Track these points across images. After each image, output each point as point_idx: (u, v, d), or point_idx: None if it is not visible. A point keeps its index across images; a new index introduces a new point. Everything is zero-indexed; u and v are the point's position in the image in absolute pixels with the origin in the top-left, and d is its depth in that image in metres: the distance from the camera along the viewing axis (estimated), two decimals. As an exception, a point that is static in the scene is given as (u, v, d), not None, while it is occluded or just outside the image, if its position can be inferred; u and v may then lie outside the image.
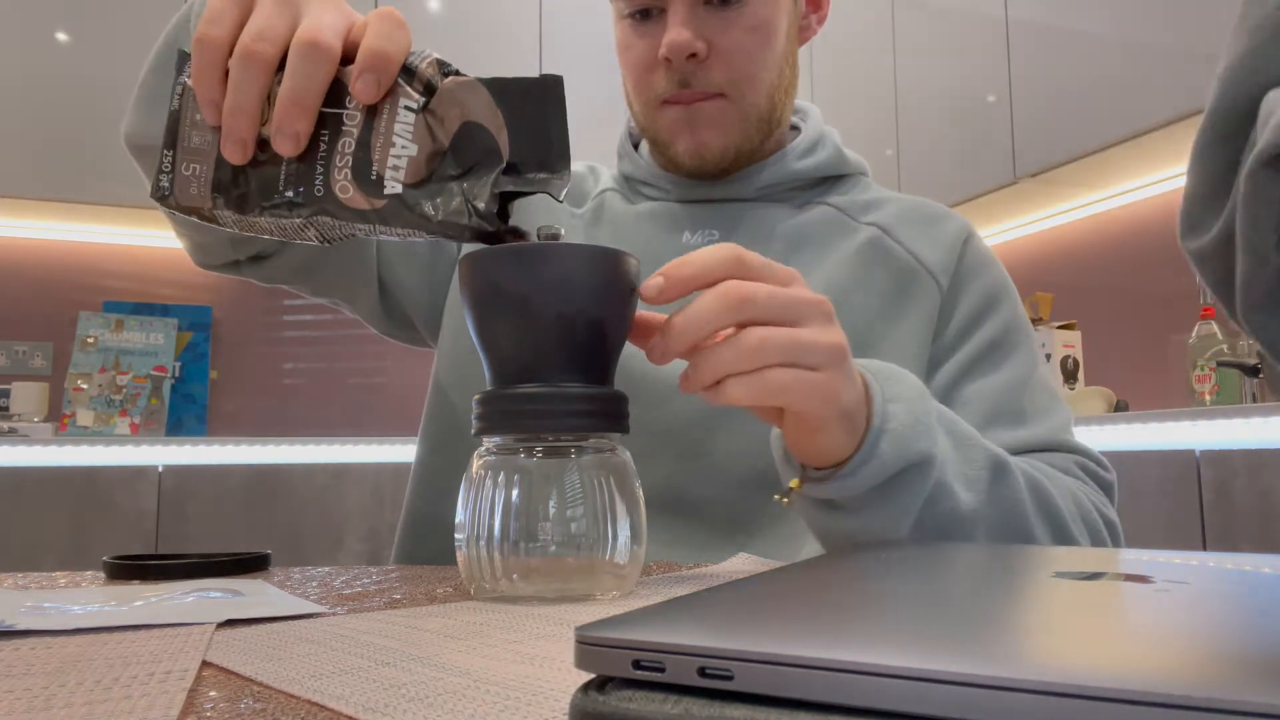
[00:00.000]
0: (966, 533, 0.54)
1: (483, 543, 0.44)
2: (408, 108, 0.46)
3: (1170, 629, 0.22)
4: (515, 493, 0.44)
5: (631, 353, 0.49)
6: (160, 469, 2.40)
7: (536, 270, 0.44)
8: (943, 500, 0.53)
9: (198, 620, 0.39)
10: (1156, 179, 2.54)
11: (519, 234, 0.48)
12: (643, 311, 0.48)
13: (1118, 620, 0.25)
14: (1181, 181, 2.56)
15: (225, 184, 0.47)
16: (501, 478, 0.45)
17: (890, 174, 3.03)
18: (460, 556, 0.46)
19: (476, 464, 0.46)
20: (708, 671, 0.20)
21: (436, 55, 0.47)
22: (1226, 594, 0.27)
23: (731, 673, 0.20)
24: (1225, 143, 0.56)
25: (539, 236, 0.46)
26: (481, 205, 0.46)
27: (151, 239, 3.04)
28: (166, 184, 0.48)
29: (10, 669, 0.31)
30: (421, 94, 0.46)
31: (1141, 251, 2.62)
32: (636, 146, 0.85)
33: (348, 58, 0.46)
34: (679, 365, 0.47)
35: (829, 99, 3.18)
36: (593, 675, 0.22)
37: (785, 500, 0.54)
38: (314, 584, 0.53)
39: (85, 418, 2.63)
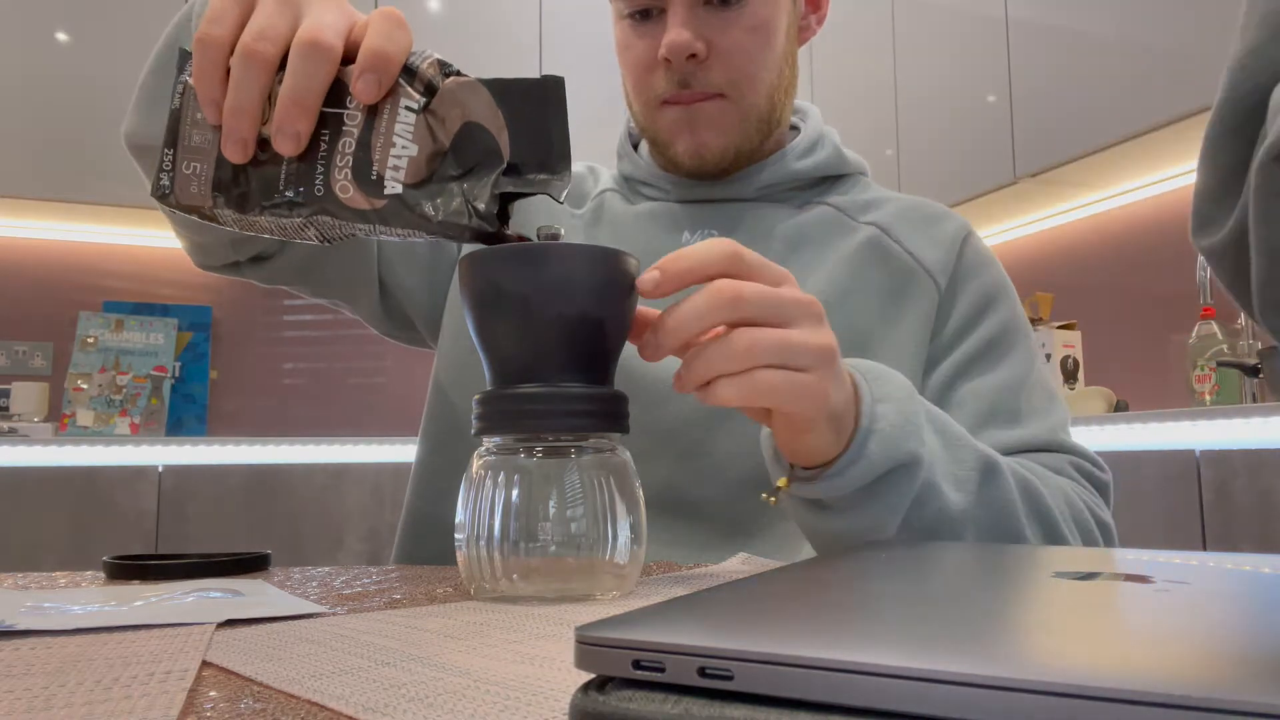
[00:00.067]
0: (955, 533, 0.54)
1: (483, 543, 0.44)
2: (408, 108, 0.46)
3: (1170, 629, 0.22)
4: (515, 493, 0.44)
5: (631, 352, 0.49)
6: (160, 469, 2.40)
7: (536, 270, 0.44)
8: (931, 500, 0.53)
9: (198, 620, 0.39)
10: (1156, 179, 2.54)
11: (519, 236, 0.48)
12: (639, 308, 0.49)
13: (1118, 620, 0.25)
14: (1182, 181, 2.57)
15: (225, 183, 0.47)
16: (501, 478, 0.45)
17: (890, 174, 3.03)
18: (460, 556, 0.46)
19: (476, 464, 0.46)
20: (708, 671, 0.20)
21: (437, 55, 0.47)
22: (1226, 594, 0.27)
23: (731, 673, 0.20)
24: (1236, 137, 0.56)
25: (539, 237, 0.46)
26: (482, 206, 0.46)
27: (151, 239, 3.04)
28: (167, 182, 0.48)
29: (10, 669, 0.31)
30: (422, 94, 0.46)
31: (1141, 251, 2.62)
32: (636, 147, 0.85)
33: (349, 57, 0.46)
34: (678, 365, 0.47)
35: (829, 99, 3.18)
36: (593, 675, 0.22)
37: (773, 500, 0.54)
38: (314, 584, 0.53)
39: (85, 418, 2.63)
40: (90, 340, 2.70)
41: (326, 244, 0.49)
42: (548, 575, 0.44)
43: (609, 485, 0.45)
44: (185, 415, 2.91)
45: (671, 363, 0.47)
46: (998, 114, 2.62)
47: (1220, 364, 2.01)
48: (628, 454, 0.48)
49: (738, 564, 0.59)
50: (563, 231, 0.47)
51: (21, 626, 0.37)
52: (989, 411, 0.69)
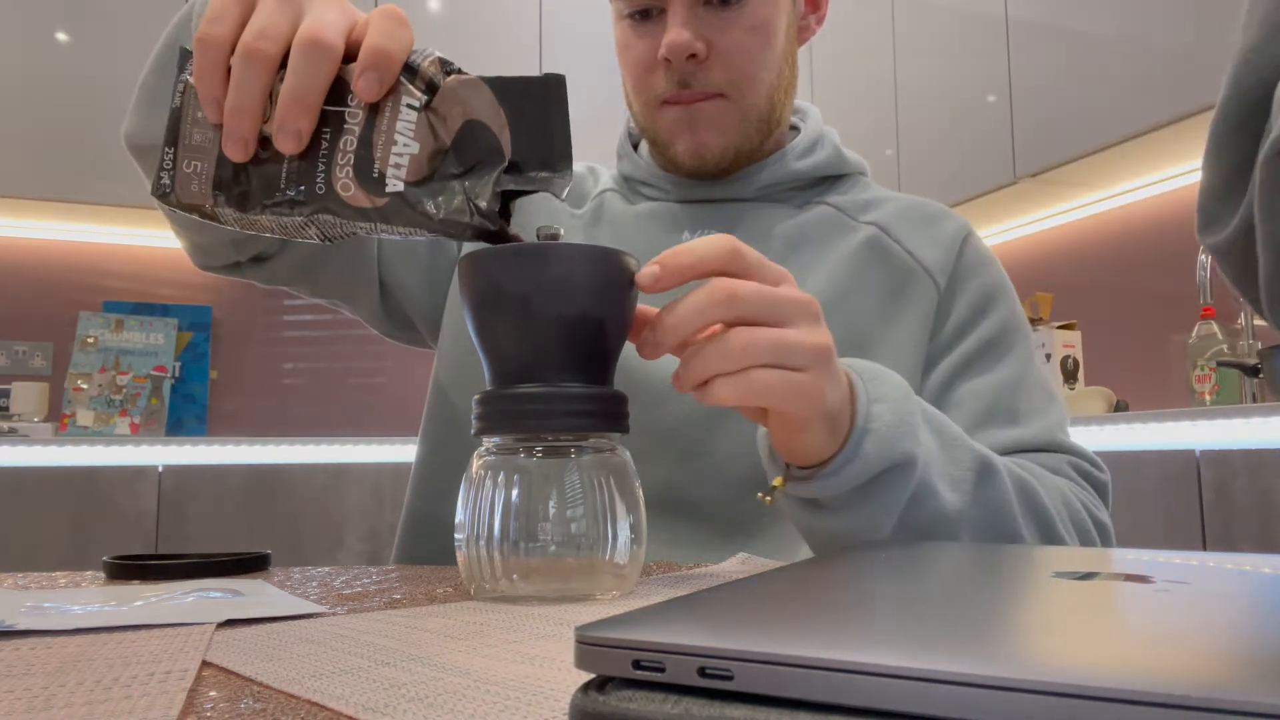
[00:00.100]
0: (951, 533, 0.54)
1: (483, 543, 0.44)
2: (410, 106, 0.46)
3: (1170, 629, 0.22)
4: (515, 493, 0.44)
5: (631, 352, 0.49)
6: (160, 469, 2.40)
7: (536, 270, 0.44)
8: (926, 500, 0.53)
9: (198, 620, 0.39)
10: (1156, 179, 2.54)
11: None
12: (639, 305, 0.49)
13: (1118, 620, 0.25)
14: (1182, 181, 2.57)
15: (226, 182, 0.47)
16: (501, 478, 0.45)
17: (890, 174, 3.03)
18: (460, 556, 0.46)
19: (476, 464, 0.46)
20: (708, 671, 0.20)
21: (439, 53, 0.47)
22: (1226, 594, 0.27)
23: (731, 673, 0.20)
24: (1240, 133, 0.56)
25: (539, 237, 0.46)
26: (483, 204, 0.46)
27: (151, 239, 3.04)
28: (168, 181, 0.48)
29: (10, 669, 0.31)
30: (424, 92, 0.46)
31: (1141, 251, 2.62)
32: (636, 147, 0.85)
33: (350, 56, 0.46)
34: (678, 365, 0.47)
35: (829, 99, 3.18)
36: (593, 675, 0.22)
37: (768, 499, 0.54)
38: (314, 584, 0.53)
39: (85, 418, 2.63)
40: (90, 340, 2.70)
41: (327, 243, 0.49)
42: (548, 575, 0.44)
43: (609, 485, 0.45)
44: (185, 415, 2.91)
45: (671, 362, 0.47)
46: (998, 114, 2.62)
47: (1220, 364, 2.01)
48: (628, 454, 0.48)
49: (737, 564, 0.59)
50: (562, 231, 0.47)
51: (21, 626, 0.37)
52: (987, 411, 0.69)
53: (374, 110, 0.46)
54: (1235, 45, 0.56)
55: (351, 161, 0.46)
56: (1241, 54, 0.55)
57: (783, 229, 0.78)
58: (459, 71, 0.47)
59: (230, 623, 0.39)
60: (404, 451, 2.59)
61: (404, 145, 0.46)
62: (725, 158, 0.77)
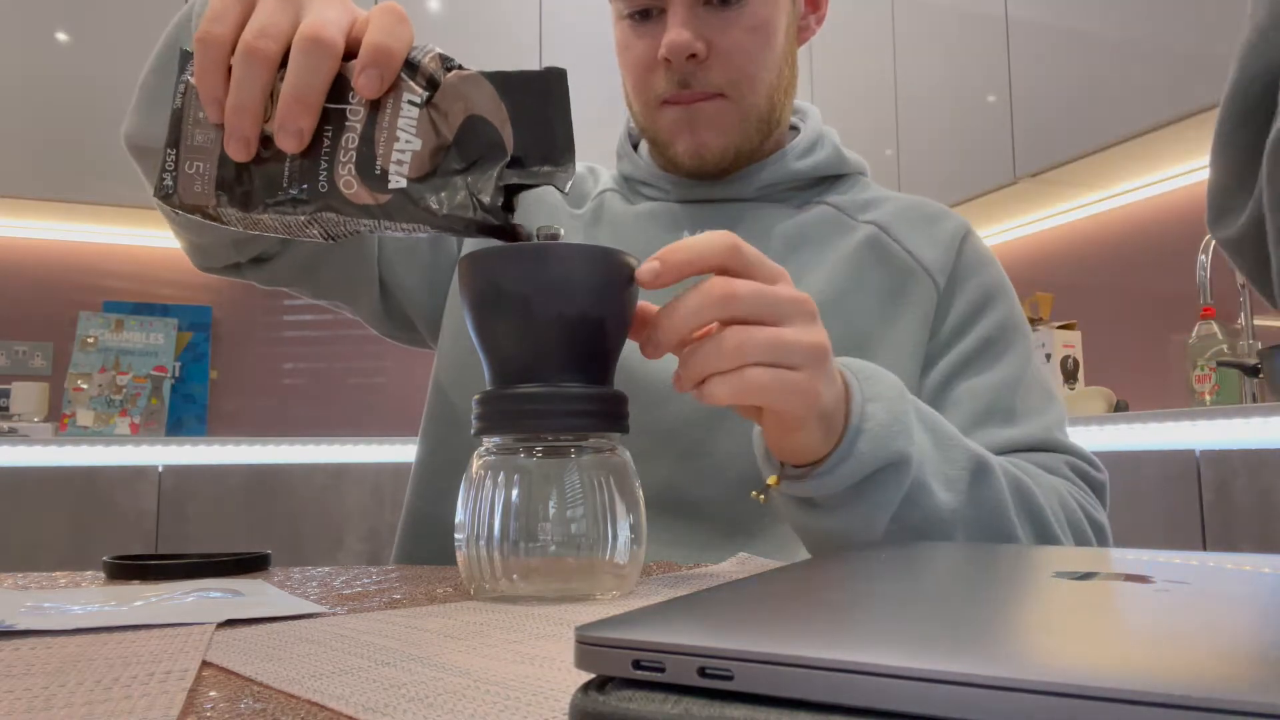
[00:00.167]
0: (945, 532, 0.54)
1: (483, 543, 0.44)
2: (411, 102, 0.46)
3: (1170, 629, 0.22)
4: (515, 493, 0.44)
5: (631, 352, 0.49)
6: (160, 469, 2.40)
7: (536, 270, 0.44)
8: (921, 500, 0.53)
9: (198, 620, 0.39)
10: (1156, 179, 2.54)
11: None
12: (640, 304, 0.49)
13: (1118, 620, 0.25)
14: (1183, 181, 2.56)
15: (229, 181, 0.47)
16: (501, 478, 0.45)
17: (890, 174, 3.03)
18: (460, 556, 0.46)
19: (476, 464, 0.46)
20: (708, 671, 0.20)
21: (439, 50, 0.47)
22: (1226, 594, 0.27)
23: (731, 673, 0.20)
24: (1246, 124, 0.55)
25: (539, 236, 0.46)
26: (486, 199, 0.46)
27: (151, 239, 3.04)
28: (170, 182, 0.48)
29: (10, 669, 0.31)
30: (425, 88, 0.46)
31: (1141, 251, 2.62)
32: (636, 147, 0.85)
33: (350, 53, 0.46)
34: (677, 366, 0.47)
35: (829, 99, 3.18)
36: (593, 675, 0.22)
37: (762, 498, 0.54)
38: (314, 584, 0.53)
39: (85, 418, 2.63)
40: (90, 340, 2.70)
41: (331, 241, 0.49)
42: (548, 575, 0.44)
43: (609, 485, 0.45)
44: (185, 415, 2.91)
45: (671, 362, 0.47)
46: (998, 114, 2.62)
47: (1220, 364, 2.01)
48: (628, 454, 0.48)
49: (737, 564, 0.59)
50: (562, 231, 0.47)
51: (21, 626, 0.37)
52: (985, 410, 0.69)
53: (375, 107, 0.46)
54: (1242, 32, 0.55)
55: (354, 159, 0.46)
56: (1248, 40, 0.55)
57: (782, 229, 0.78)
58: (459, 67, 0.47)
59: (230, 623, 0.39)
60: (404, 451, 2.59)
61: (406, 142, 0.46)
62: (725, 158, 0.77)
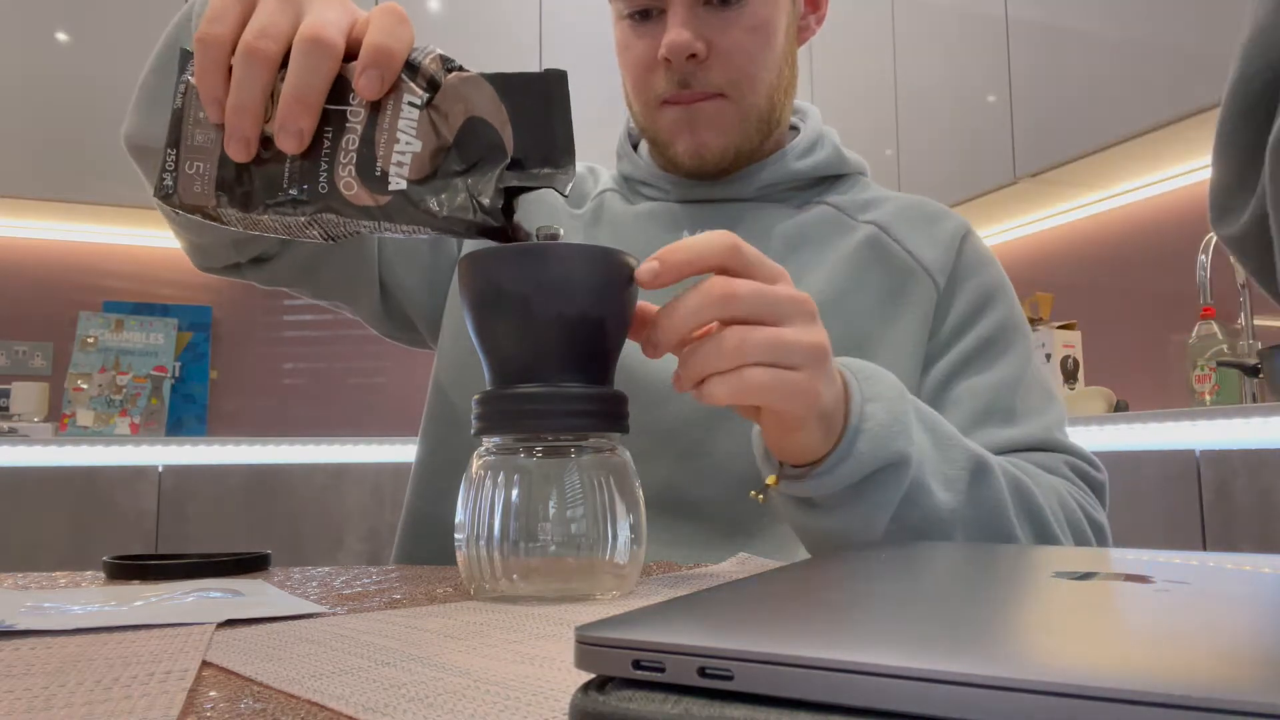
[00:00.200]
0: (945, 532, 0.54)
1: (483, 543, 0.44)
2: (411, 104, 0.46)
3: (1170, 629, 0.22)
4: (515, 493, 0.44)
5: (631, 352, 0.49)
6: (160, 469, 2.40)
7: (536, 270, 0.44)
8: (920, 499, 0.53)
9: (198, 620, 0.39)
10: (1156, 179, 2.54)
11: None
12: (640, 303, 0.49)
13: (1118, 620, 0.25)
14: (1183, 181, 2.56)
15: (229, 182, 0.47)
16: (501, 478, 0.45)
17: (890, 174, 3.03)
18: (460, 556, 0.46)
19: (476, 464, 0.46)
20: (708, 671, 0.20)
21: (440, 51, 0.47)
22: (1226, 594, 0.27)
23: (731, 673, 0.20)
24: (1248, 120, 0.55)
25: (538, 237, 0.46)
26: (486, 201, 0.46)
27: (151, 239, 3.04)
28: (170, 182, 0.48)
29: (10, 669, 0.31)
30: (425, 90, 0.46)
31: (1141, 251, 2.62)
32: (636, 147, 0.85)
33: (351, 54, 0.46)
34: (677, 365, 0.47)
35: (829, 99, 3.18)
36: (593, 675, 0.22)
37: (761, 497, 0.54)
38: (314, 584, 0.53)
39: (85, 418, 2.63)
40: (90, 340, 2.70)
41: (330, 242, 0.49)
42: (548, 575, 0.44)
43: (609, 485, 0.45)
44: (185, 415, 2.91)
45: (671, 362, 0.47)
46: (998, 114, 2.62)
47: (1220, 364, 2.01)
48: (628, 454, 0.48)
49: (737, 564, 0.59)
50: (562, 231, 0.47)
51: (21, 626, 0.37)
52: (985, 410, 0.69)
53: (376, 108, 0.46)
54: (1243, 29, 0.55)
55: (354, 160, 0.46)
56: (1248, 37, 0.54)
57: (782, 229, 0.78)
58: (460, 69, 0.47)
59: (230, 623, 0.39)
60: (404, 451, 2.59)
61: (406, 143, 0.46)
62: (725, 158, 0.77)
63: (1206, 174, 0.63)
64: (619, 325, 0.47)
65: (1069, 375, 2.44)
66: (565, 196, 0.49)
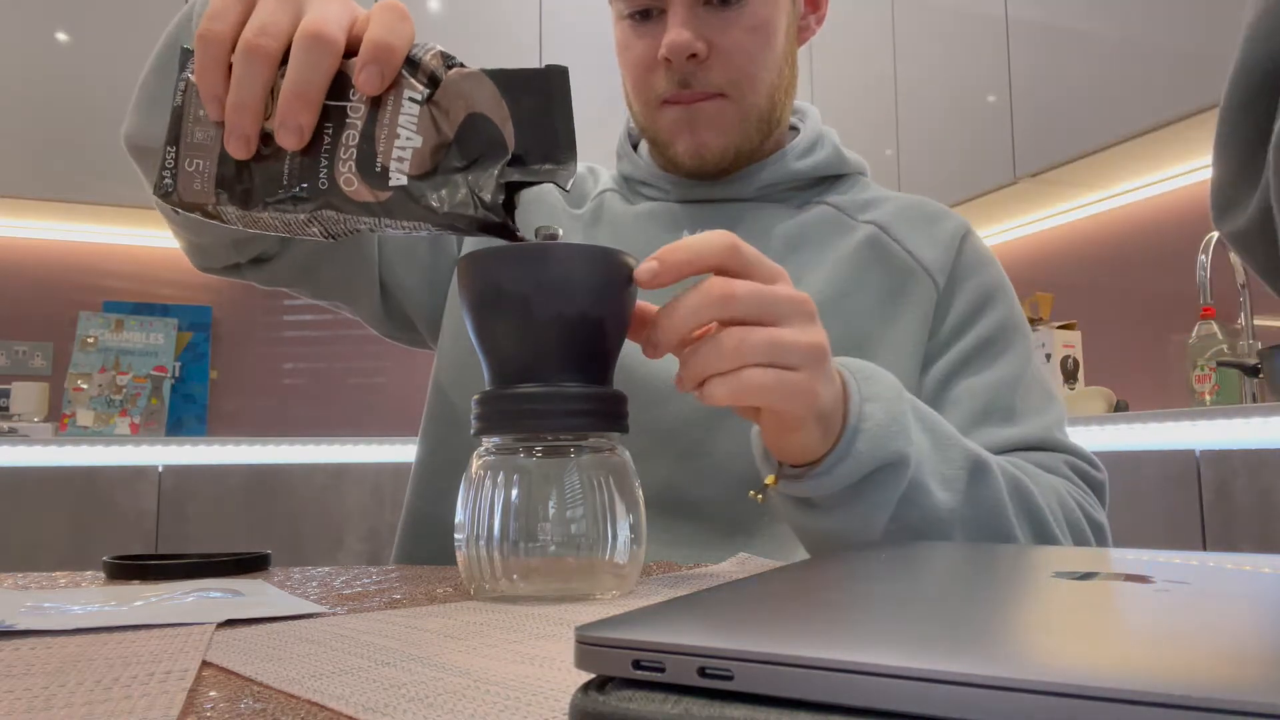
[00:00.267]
0: (944, 532, 0.54)
1: (483, 543, 0.44)
2: (412, 100, 0.46)
3: (1170, 629, 0.22)
4: (515, 493, 0.44)
5: (630, 352, 0.49)
6: (160, 469, 2.40)
7: (535, 270, 0.44)
8: (919, 499, 0.53)
9: (198, 620, 0.39)
10: (1156, 179, 2.54)
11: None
12: (640, 303, 0.49)
13: (1118, 620, 0.25)
14: (1183, 181, 2.55)
15: (229, 179, 0.47)
16: (501, 478, 0.45)
17: (890, 174, 3.03)
18: (460, 556, 0.46)
19: (476, 464, 0.46)
20: (708, 671, 0.20)
21: (440, 47, 0.47)
22: (1226, 594, 0.27)
23: (731, 673, 0.20)
24: (1250, 112, 0.55)
25: (538, 237, 0.46)
26: (487, 197, 0.46)
27: (151, 239, 3.04)
28: (170, 180, 0.48)
29: (10, 669, 0.31)
30: (426, 86, 0.46)
31: (1141, 251, 2.62)
32: (636, 147, 0.85)
33: (351, 51, 0.46)
34: (677, 365, 0.47)
35: (829, 99, 3.18)
36: (593, 675, 0.22)
37: (760, 497, 0.54)
38: (314, 584, 0.53)
39: (85, 418, 2.63)
40: (90, 340, 2.70)
41: (331, 239, 0.49)
42: (548, 575, 0.44)
43: (609, 485, 0.45)
44: (185, 415, 2.91)
45: (671, 362, 0.47)
46: (998, 114, 2.62)
47: (1220, 364, 2.01)
48: (628, 454, 0.48)
49: (737, 564, 0.59)
50: (561, 231, 0.47)
51: (21, 626, 0.37)
52: (984, 409, 0.69)
53: (376, 104, 0.46)
54: (1245, 17, 0.55)
55: (354, 156, 0.46)
56: (1248, 29, 0.54)
57: (782, 229, 0.78)
58: (461, 65, 0.47)
59: (230, 623, 0.39)
60: (404, 451, 2.59)
61: (407, 139, 0.46)
62: (725, 157, 0.77)
63: (1207, 174, 0.62)
64: (618, 325, 0.47)
65: (1069, 375, 2.44)
66: (567, 191, 0.49)
